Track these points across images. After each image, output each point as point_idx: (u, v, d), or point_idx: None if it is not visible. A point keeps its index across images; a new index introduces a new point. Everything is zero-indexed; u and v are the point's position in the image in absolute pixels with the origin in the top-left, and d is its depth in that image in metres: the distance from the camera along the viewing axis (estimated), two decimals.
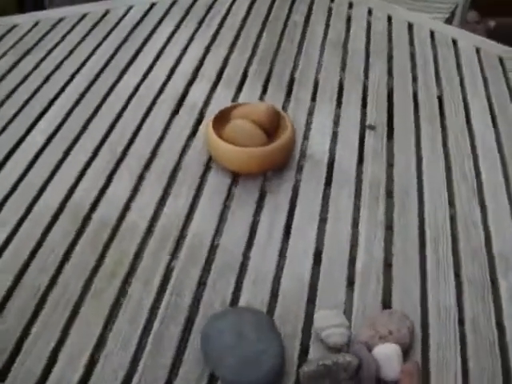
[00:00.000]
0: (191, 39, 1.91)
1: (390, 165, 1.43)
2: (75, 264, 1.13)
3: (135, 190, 1.32)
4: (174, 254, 1.18)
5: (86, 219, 1.24)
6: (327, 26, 2.01)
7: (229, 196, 1.33)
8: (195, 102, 1.62)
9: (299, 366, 0.97)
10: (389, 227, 1.26)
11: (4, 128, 1.48)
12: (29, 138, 1.45)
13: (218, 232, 1.24)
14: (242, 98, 1.64)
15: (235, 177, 1.36)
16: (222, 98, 1.64)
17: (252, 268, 1.15)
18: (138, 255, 1.17)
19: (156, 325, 1.03)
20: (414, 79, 1.76)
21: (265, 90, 1.69)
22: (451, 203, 1.33)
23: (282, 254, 1.19)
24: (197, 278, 1.13)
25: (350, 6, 2.12)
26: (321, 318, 1.04)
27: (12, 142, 1.43)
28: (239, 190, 1.34)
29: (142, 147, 1.44)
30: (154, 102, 1.61)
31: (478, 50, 1.90)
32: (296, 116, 1.56)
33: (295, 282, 1.13)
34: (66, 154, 1.41)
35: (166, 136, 1.49)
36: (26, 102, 1.57)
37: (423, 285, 1.14)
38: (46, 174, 1.35)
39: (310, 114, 1.60)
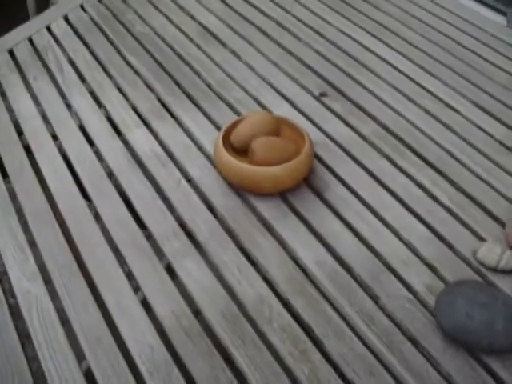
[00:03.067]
0: (63, 97, 1.60)
1: (370, 116, 1.53)
2: None
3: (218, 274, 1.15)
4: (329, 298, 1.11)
5: None
6: (172, 22, 1.89)
7: (301, 217, 1.26)
8: (153, 150, 1.41)
9: None
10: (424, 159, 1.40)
11: None
12: None
13: (331, 250, 1.19)
14: (189, 124, 1.48)
15: (282, 196, 1.28)
16: (171, 132, 1.46)
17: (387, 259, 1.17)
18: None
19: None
20: (287, 30, 1.86)
21: (199, 107, 1.55)
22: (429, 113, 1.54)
23: (397, 233, 1.22)
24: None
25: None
26: (486, 254, 1.13)
27: None
28: (302, 207, 1.27)
29: (166, 229, 1.21)
30: (110, 175, 1.35)
31: None
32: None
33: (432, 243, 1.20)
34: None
35: (172, 203, 1.28)
36: None
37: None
38: None
39: (264, 107, 1.55)
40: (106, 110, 1.55)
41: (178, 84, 1.64)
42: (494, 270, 1.13)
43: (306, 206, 1.27)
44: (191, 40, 1.82)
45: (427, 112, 1.55)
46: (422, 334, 1.03)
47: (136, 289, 1.11)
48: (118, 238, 1.21)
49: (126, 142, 1.45)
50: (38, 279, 1.13)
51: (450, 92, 1.61)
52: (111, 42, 1.81)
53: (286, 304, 1.09)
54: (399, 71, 1.70)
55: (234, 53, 1.77)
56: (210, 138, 1.44)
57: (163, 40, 1.82)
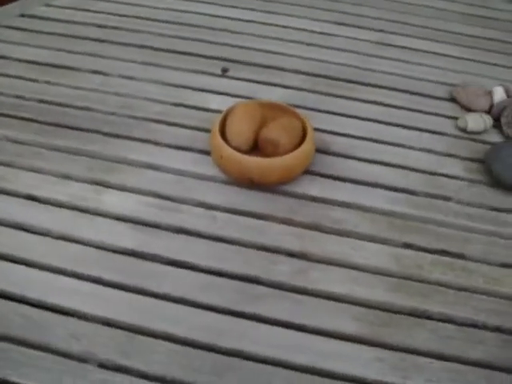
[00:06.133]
0: None
1: (284, 70, 1.55)
2: None
3: None
4: None
5: None
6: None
7: (335, 177, 1.27)
8: (148, 205, 1.16)
9: None
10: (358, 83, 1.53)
11: None
12: None
13: (385, 187, 1.26)
14: (149, 160, 1.25)
15: (304, 171, 1.26)
16: (142, 178, 1.22)
17: None
18: None
19: None
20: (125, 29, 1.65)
21: (137, 139, 1.30)
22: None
23: (406, 146, 1.36)
24: None
25: None
26: (474, 123, 1.38)
27: None
28: (326, 169, 1.27)
29: (260, 263, 1.09)
30: (132, 254, 1.08)
31: None
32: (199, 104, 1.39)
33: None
34: None
35: (229, 238, 1.12)
36: None
37: None
38: None
39: (195, 107, 1.40)
40: (34, 197, 1.17)
41: (84, 130, 1.33)
42: (484, 131, 1.39)
43: (328, 166, 1.28)
44: (35, 81, 1.46)
45: (317, 46, 1.66)
46: (489, 198, 1.24)
47: (307, 329, 0.99)
48: (230, 300, 1.01)
49: (106, 215, 1.15)
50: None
51: (320, 24, 1.76)
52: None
53: (408, 245, 1.13)
54: (264, 24, 1.74)
55: (98, 72, 1.50)
56: (185, 161, 1.28)
57: (3, 94, 1.42)
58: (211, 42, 1.65)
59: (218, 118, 1.25)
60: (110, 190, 1.20)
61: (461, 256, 1.13)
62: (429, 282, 1.07)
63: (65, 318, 0.98)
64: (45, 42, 1.60)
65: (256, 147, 1.23)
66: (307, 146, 1.19)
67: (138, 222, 1.15)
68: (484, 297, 1.06)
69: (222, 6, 1.82)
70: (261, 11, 1.80)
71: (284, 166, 1.17)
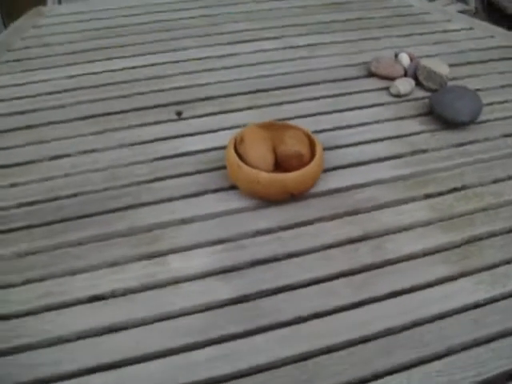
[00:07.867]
0: None
1: (229, 95, 1.64)
2: None
3: None
4: None
5: None
6: None
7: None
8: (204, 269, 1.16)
9: None
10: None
11: None
12: None
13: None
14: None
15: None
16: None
17: None
18: None
19: None
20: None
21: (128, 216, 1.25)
22: None
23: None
24: None
25: None
26: (403, 87, 1.65)
27: None
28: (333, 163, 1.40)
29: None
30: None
31: None
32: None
33: None
34: None
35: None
36: None
37: None
38: None
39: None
40: (98, 296, 1.08)
41: (94, 214, 1.25)
42: (412, 92, 1.67)
43: (328, 161, 1.41)
44: (1, 187, 1.31)
45: (242, 66, 1.79)
46: (452, 139, 1.52)
47: (416, 288, 1.11)
48: (345, 296, 1.09)
49: (186, 280, 1.11)
50: None
51: (225, 47, 1.88)
52: None
53: (428, 195, 1.34)
54: (180, 61, 1.80)
55: (58, 157, 1.40)
56: (212, 203, 1.30)
57: None
58: (149, 92, 1.66)
59: (229, 151, 1.30)
60: (169, 256, 1.18)
61: (465, 187, 1.38)
62: (464, 214, 1.30)
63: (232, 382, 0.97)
64: None
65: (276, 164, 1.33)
66: (321, 150, 1.32)
67: (216, 272, 1.15)
68: (501, 208, 1.32)
69: (131, 57, 1.83)
70: (167, 52, 1.85)
71: (315, 173, 1.29)
